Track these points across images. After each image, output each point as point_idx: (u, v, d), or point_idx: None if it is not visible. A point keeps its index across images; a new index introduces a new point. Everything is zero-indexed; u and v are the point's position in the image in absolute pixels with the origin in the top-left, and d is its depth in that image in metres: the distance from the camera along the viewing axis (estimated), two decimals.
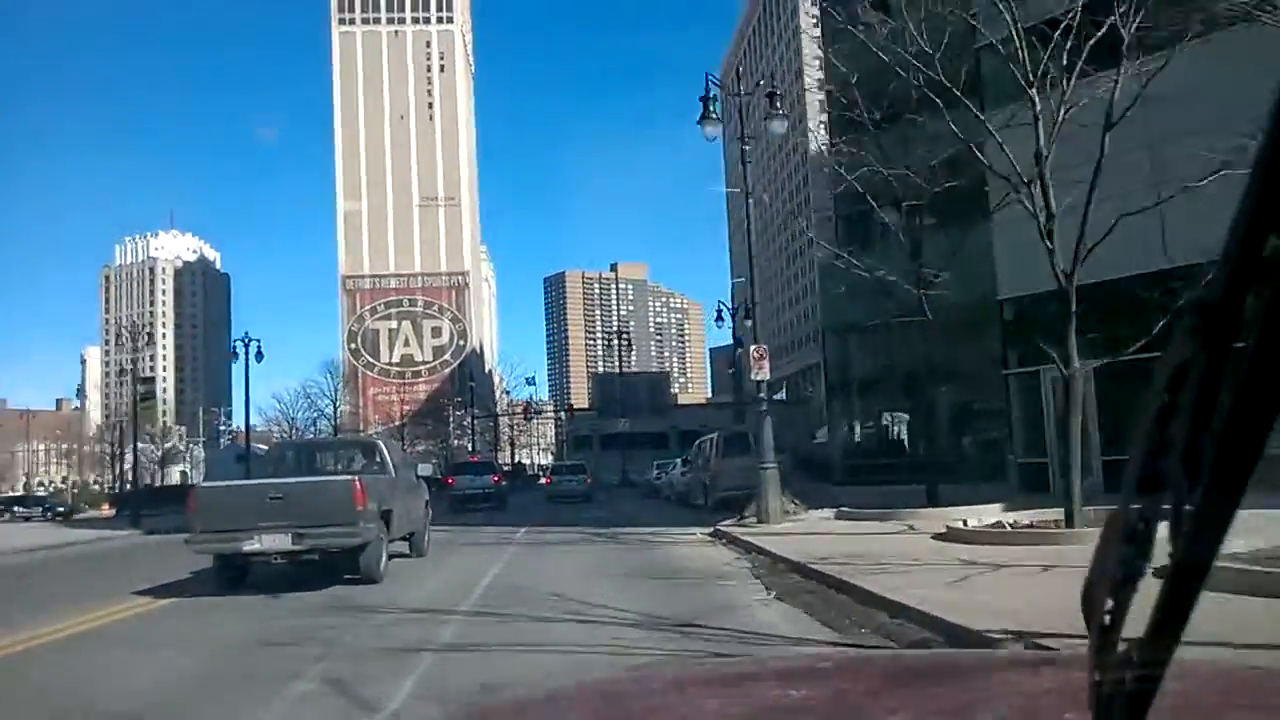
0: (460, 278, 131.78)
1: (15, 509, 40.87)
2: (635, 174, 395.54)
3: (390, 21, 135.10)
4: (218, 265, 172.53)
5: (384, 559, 10.15)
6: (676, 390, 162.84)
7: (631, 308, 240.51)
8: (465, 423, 72.17)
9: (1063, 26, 11.34)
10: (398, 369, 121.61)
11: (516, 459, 77.65)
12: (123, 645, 7.00)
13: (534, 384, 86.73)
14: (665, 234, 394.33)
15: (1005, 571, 7.79)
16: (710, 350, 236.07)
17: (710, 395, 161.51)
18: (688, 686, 1.31)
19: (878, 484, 26.09)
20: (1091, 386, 19.03)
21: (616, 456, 54.36)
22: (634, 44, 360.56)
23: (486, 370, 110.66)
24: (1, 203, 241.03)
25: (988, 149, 15.65)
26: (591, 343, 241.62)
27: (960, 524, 11.37)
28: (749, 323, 39.00)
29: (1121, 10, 10.12)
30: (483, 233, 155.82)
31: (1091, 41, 10.99)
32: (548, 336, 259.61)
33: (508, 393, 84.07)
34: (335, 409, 71.29)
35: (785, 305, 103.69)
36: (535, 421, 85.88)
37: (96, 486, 73.17)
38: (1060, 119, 11.29)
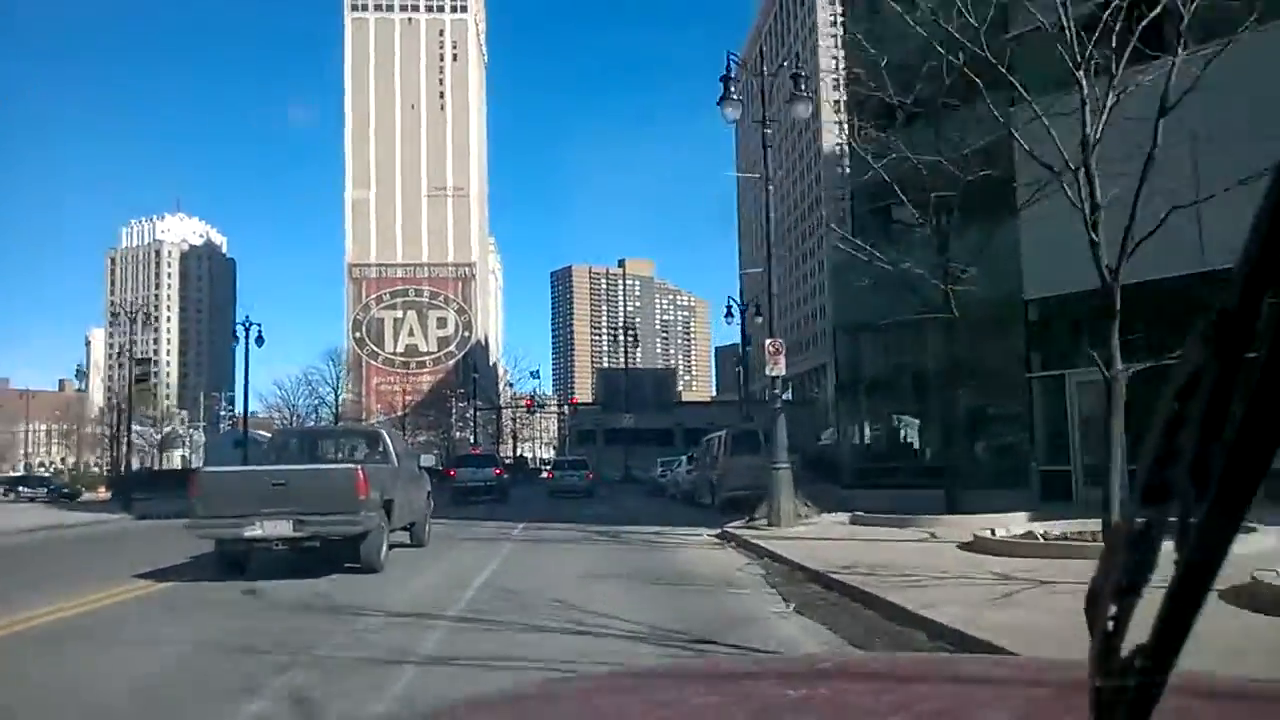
0: (467, 269, 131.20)
1: (20, 489, 40.39)
2: (644, 170, 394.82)
3: (404, 9, 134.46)
4: (224, 250, 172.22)
5: (384, 548, 10.12)
6: (681, 388, 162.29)
7: (638, 304, 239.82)
8: (468, 414, 71.58)
9: (1113, 7, 10.64)
10: (402, 359, 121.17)
11: (519, 452, 77.05)
12: (82, 641, 6.36)
13: (538, 377, 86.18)
14: (673, 231, 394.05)
15: (1050, 588, 7.06)
16: (716, 349, 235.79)
17: (715, 394, 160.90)
18: (685, 684, 1.30)
19: (887, 488, 25.35)
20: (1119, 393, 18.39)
21: (619, 452, 53.66)
22: (645, 38, 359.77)
23: (491, 363, 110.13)
24: (9, 185, 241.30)
25: (1021, 140, 15.05)
26: (597, 338, 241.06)
27: (988, 533, 10.66)
28: (759, 319, 38.34)
29: None
30: (491, 225, 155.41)
31: (1144, 23, 10.27)
32: (553, 331, 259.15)
33: (511, 384, 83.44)
34: (337, 397, 70.79)
35: (792, 306, 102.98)
36: (538, 415, 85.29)
37: (96, 469, 72.75)
38: (1110, 105, 10.55)
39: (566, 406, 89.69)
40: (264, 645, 5.74)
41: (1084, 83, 10.77)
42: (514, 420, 78.03)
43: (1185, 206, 10.39)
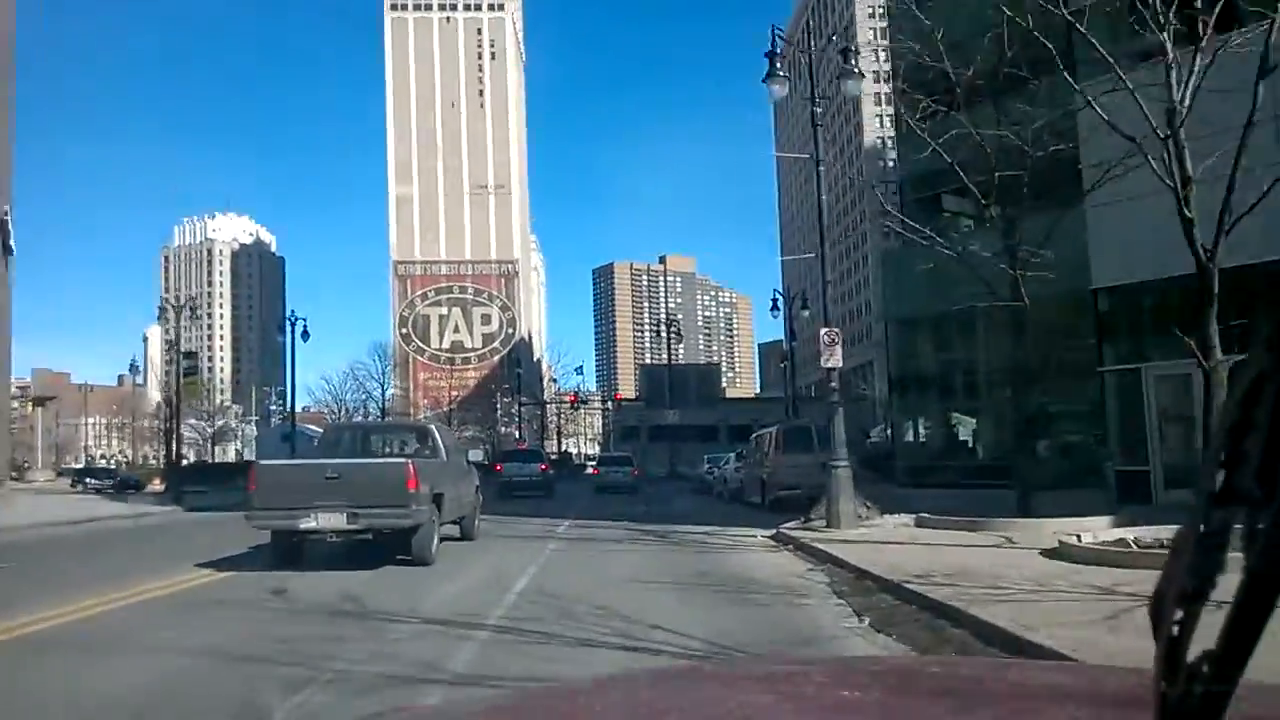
0: (510, 266, 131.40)
1: (87, 480, 41.05)
2: (684, 166, 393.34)
3: (442, 7, 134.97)
4: (273, 248, 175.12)
5: (435, 541, 10.27)
6: (725, 385, 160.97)
7: (679, 300, 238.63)
8: (513, 410, 71.48)
9: None
10: (447, 355, 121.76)
11: (563, 448, 76.81)
12: (74, 651, 5.83)
13: (582, 373, 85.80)
14: (714, 228, 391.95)
15: None
16: (759, 345, 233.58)
17: (759, 391, 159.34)
18: (737, 683, 1.27)
19: (942, 487, 24.35)
20: (1197, 387, 17.17)
21: (664, 448, 52.99)
22: (684, 33, 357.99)
23: (535, 359, 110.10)
24: (73, 184, 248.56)
25: (1086, 124, 14.01)
26: (639, 334, 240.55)
27: (1074, 539, 9.74)
28: (805, 312, 37.35)
29: None
30: (533, 222, 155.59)
31: None
32: (596, 327, 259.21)
33: (555, 380, 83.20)
34: (383, 392, 71.16)
35: (835, 302, 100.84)
36: (582, 411, 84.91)
37: (153, 462, 74.06)
38: (1199, 70, 9.58)
39: (610, 402, 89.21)
40: (281, 655, 5.16)
41: (1170, 47, 9.85)
42: (558, 416, 77.78)
43: None
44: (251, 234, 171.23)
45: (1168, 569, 0.59)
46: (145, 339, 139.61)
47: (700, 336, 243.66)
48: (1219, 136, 10.13)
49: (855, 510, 12.97)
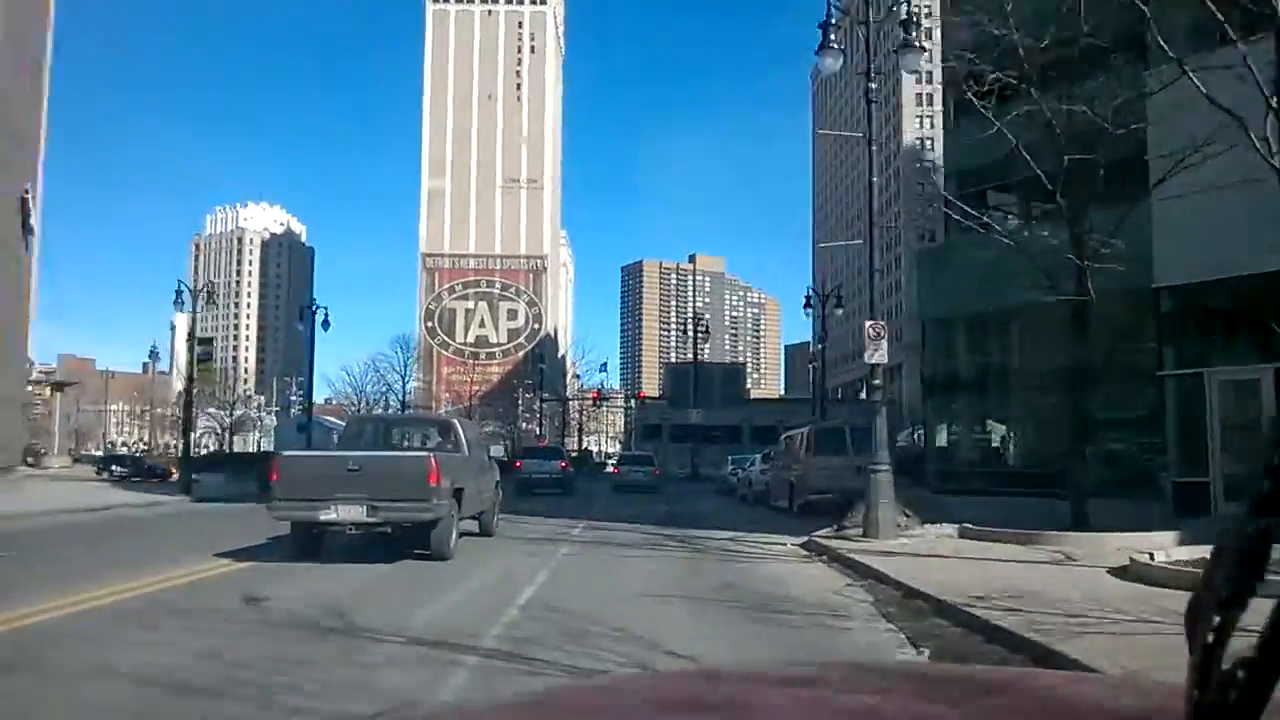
0: (539, 261, 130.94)
1: (113, 468, 40.28)
2: (717, 165, 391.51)
3: (484, 0, 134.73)
4: (303, 239, 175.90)
5: (454, 536, 10.21)
6: (750, 386, 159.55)
7: (707, 300, 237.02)
8: (534, 406, 70.81)
9: None
10: (472, 349, 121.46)
11: (584, 445, 76.03)
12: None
13: (606, 371, 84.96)
14: (744, 228, 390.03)
15: None
16: (785, 347, 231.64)
17: (783, 393, 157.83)
18: (753, 684, 1.24)
19: (979, 494, 23.16)
20: (1266, 393, 15.92)
21: (686, 448, 51.93)
22: (721, 32, 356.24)
23: (559, 355, 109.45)
24: (105, 173, 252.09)
25: (1155, 111, 12.92)
26: (665, 334, 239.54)
27: (1145, 558, 8.68)
28: (839, 311, 36.21)
29: None
30: (563, 217, 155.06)
31: None
32: (622, 325, 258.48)
33: (578, 377, 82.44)
34: (404, 384, 70.74)
35: (862, 307, 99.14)
36: (604, 409, 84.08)
37: (172, 451, 74.31)
38: None
39: (633, 400, 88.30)
40: (229, 685, 4.32)
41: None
42: (580, 413, 76.99)
43: None
44: (282, 224, 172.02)
45: (1207, 574, 0.59)
46: (173, 327, 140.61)
47: (726, 337, 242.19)
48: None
49: (895, 519, 11.96)
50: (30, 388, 42.57)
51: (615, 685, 1.46)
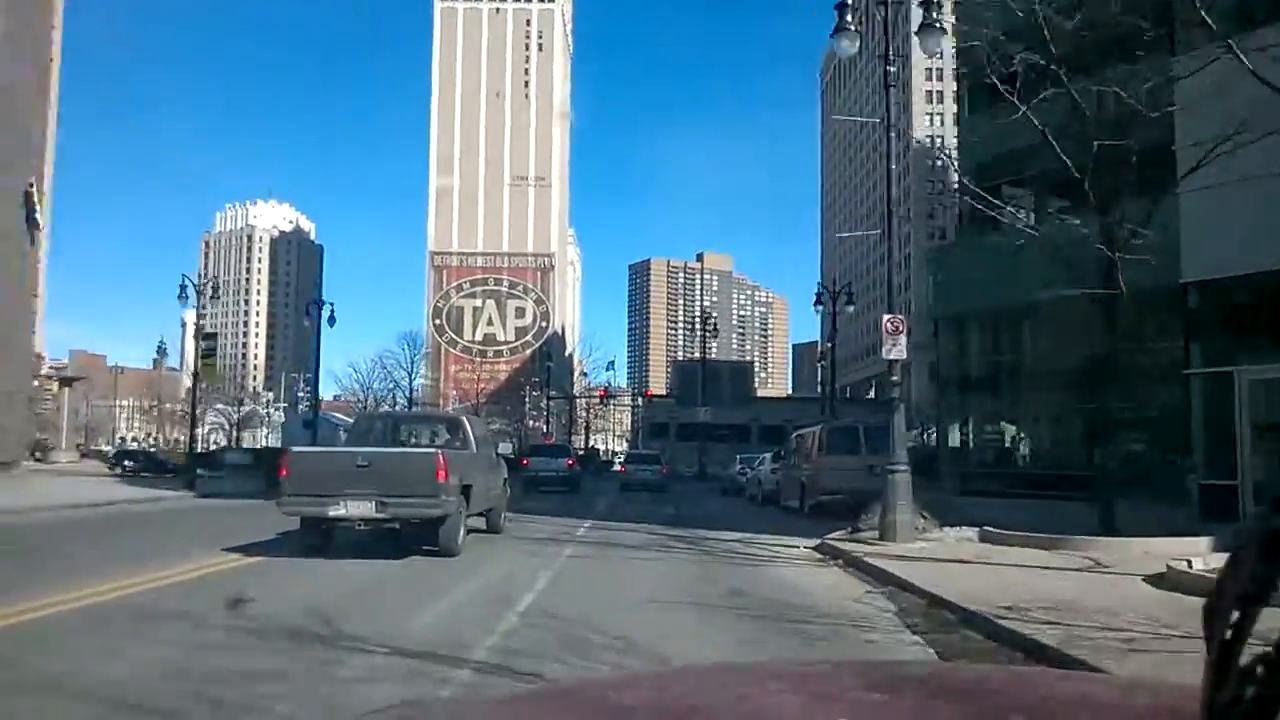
0: (547, 259, 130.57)
1: (125, 463, 39.72)
2: (725, 164, 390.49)
3: None
4: (312, 236, 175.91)
5: (463, 533, 10.22)
6: (757, 385, 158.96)
7: (715, 299, 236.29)
8: (541, 404, 70.40)
9: None
10: (479, 347, 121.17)
11: (591, 444, 75.60)
12: None
13: (613, 369, 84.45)
14: (753, 227, 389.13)
15: None
16: (793, 346, 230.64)
17: (791, 393, 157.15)
18: (766, 681, 1.24)
19: (993, 495, 22.64)
20: None
21: (693, 447, 51.46)
22: (729, 31, 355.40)
23: (567, 353, 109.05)
24: (117, 171, 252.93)
25: (1184, 99, 12.41)
26: (673, 332, 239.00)
27: (1184, 566, 8.19)
28: (850, 308, 35.63)
29: None
30: (571, 216, 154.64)
31: None
32: (629, 324, 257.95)
33: (585, 375, 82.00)
34: (411, 381, 70.39)
35: (870, 306, 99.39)
36: (611, 407, 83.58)
37: (181, 445, 74.09)
38: None
39: (640, 398, 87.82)
40: (188, 706, 3.86)
41: None
42: (587, 411, 76.57)
43: None
44: (291, 221, 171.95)
45: (1226, 571, 0.58)
46: (184, 323, 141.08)
47: (734, 336, 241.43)
48: None
49: (913, 522, 11.47)
50: (36, 382, 42.17)
51: (622, 680, 1.45)
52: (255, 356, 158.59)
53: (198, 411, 34.76)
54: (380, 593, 7.68)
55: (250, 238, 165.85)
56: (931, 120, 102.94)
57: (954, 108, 52.45)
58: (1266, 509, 0.57)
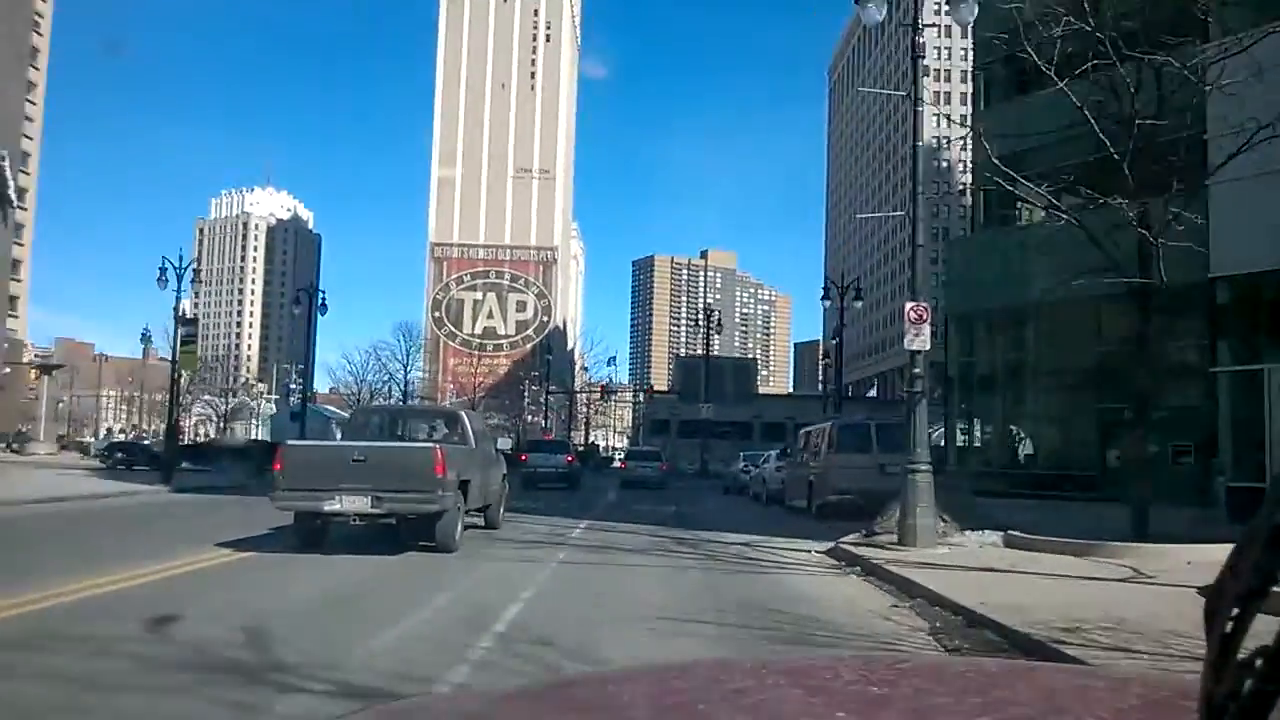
0: (549, 253, 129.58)
1: (118, 455, 38.26)
2: (731, 161, 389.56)
3: None
4: (310, 225, 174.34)
5: (459, 529, 10.07)
6: (759, 383, 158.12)
7: (718, 296, 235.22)
8: (541, 399, 69.53)
9: None
10: (479, 340, 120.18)
11: (591, 440, 74.74)
12: None
13: (614, 364, 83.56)
14: (758, 224, 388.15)
15: None
16: (795, 344, 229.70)
17: (792, 391, 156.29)
18: (766, 677, 1.23)
19: (1005, 496, 21.80)
20: None
21: (694, 444, 50.65)
22: (737, 27, 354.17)
23: (568, 348, 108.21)
24: (113, 157, 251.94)
25: (1216, 100, 11.61)
26: (675, 329, 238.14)
27: None
28: (859, 304, 34.75)
29: None
30: (575, 210, 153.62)
31: None
32: (632, 320, 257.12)
33: (586, 369, 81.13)
34: (406, 373, 69.39)
35: (875, 305, 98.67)
36: (612, 403, 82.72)
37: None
38: None
39: (641, 394, 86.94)
40: None
41: None
42: (587, 407, 75.70)
43: None
44: (289, 209, 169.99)
45: (1229, 564, 0.58)
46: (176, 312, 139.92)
47: (737, 333, 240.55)
48: None
49: (934, 525, 10.62)
50: (8, 369, 41.13)
51: (622, 675, 1.44)
52: (249, 348, 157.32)
53: (186, 402, 33.89)
54: (344, 604, 6.82)
55: (246, 225, 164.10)
56: (939, 121, 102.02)
57: (962, 108, 51.58)
58: (1272, 501, 0.56)
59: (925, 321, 10.26)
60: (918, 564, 9.10)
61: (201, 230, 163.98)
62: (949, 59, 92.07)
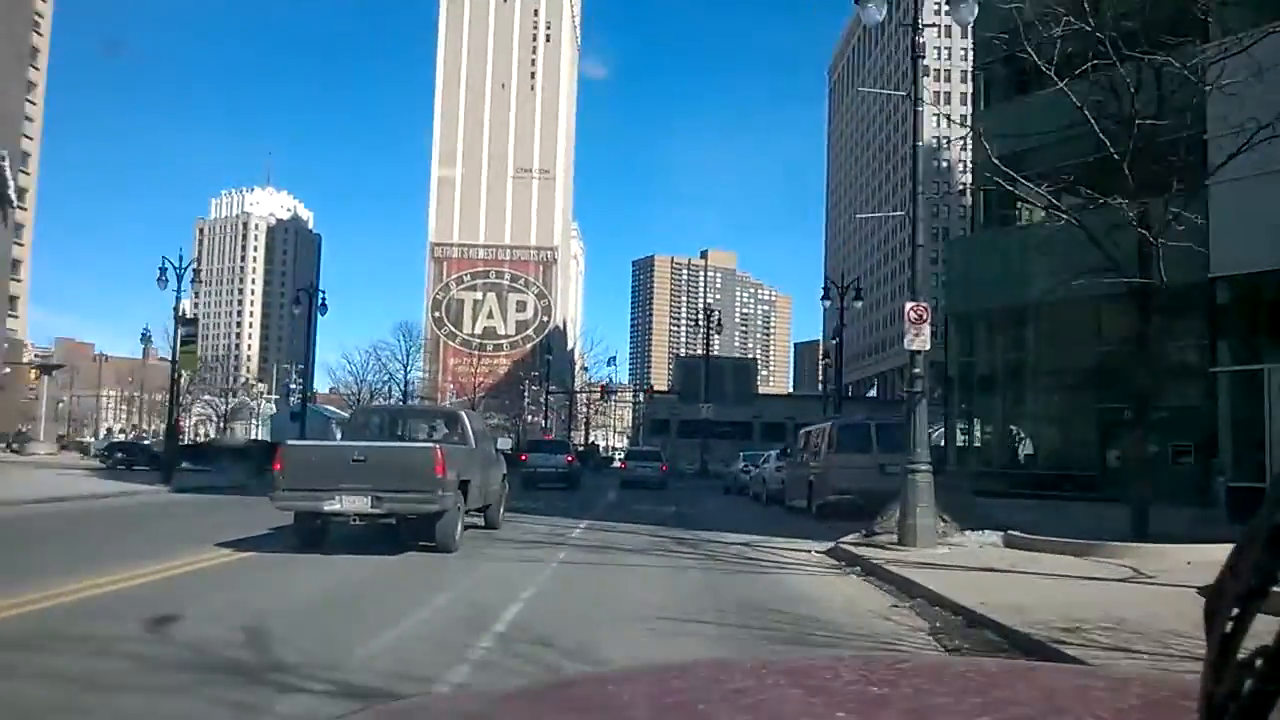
0: (549, 253, 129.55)
1: (119, 455, 38.04)
2: (731, 161, 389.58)
3: None
4: (310, 225, 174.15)
5: (459, 529, 10.07)
6: (759, 383, 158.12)
7: (718, 296, 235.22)
8: (541, 399, 69.52)
9: None
10: (479, 340, 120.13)
11: (591, 440, 74.72)
12: None
13: (614, 364, 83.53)
14: (758, 224, 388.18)
15: None
16: (795, 345, 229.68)
17: (792, 391, 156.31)
18: (765, 676, 1.22)
19: (1003, 496, 21.81)
20: None
21: (694, 444, 50.67)
22: (737, 28, 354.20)
23: (568, 348, 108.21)
24: (114, 157, 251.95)
25: (1216, 100, 11.61)
26: (675, 329, 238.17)
27: None
28: (859, 304, 34.75)
29: None
30: (575, 210, 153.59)
31: None
32: (632, 320, 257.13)
33: (586, 369, 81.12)
34: (406, 372, 69.36)
35: (874, 306, 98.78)
36: (612, 403, 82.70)
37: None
38: None
39: (641, 394, 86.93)
40: None
41: None
42: (587, 407, 75.67)
43: None
44: (289, 209, 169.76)
45: (1229, 564, 0.58)
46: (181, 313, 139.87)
47: (737, 333, 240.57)
48: None
49: (934, 526, 10.62)
50: (8, 369, 41.08)
51: (623, 675, 1.45)
52: (249, 348, 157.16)
53: (186, 402, 33.83)
54: (344, 605, 6.83)
55: (246, 225, 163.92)
56: (938, 121, 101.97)
57: (962, 108, 51.58)
58: (1273, 501, 0.56)
59: (925, 321, 10.26)
60: (918, 564, 9.11)
61: (201, 230, 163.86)
62: (949, 59, 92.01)
